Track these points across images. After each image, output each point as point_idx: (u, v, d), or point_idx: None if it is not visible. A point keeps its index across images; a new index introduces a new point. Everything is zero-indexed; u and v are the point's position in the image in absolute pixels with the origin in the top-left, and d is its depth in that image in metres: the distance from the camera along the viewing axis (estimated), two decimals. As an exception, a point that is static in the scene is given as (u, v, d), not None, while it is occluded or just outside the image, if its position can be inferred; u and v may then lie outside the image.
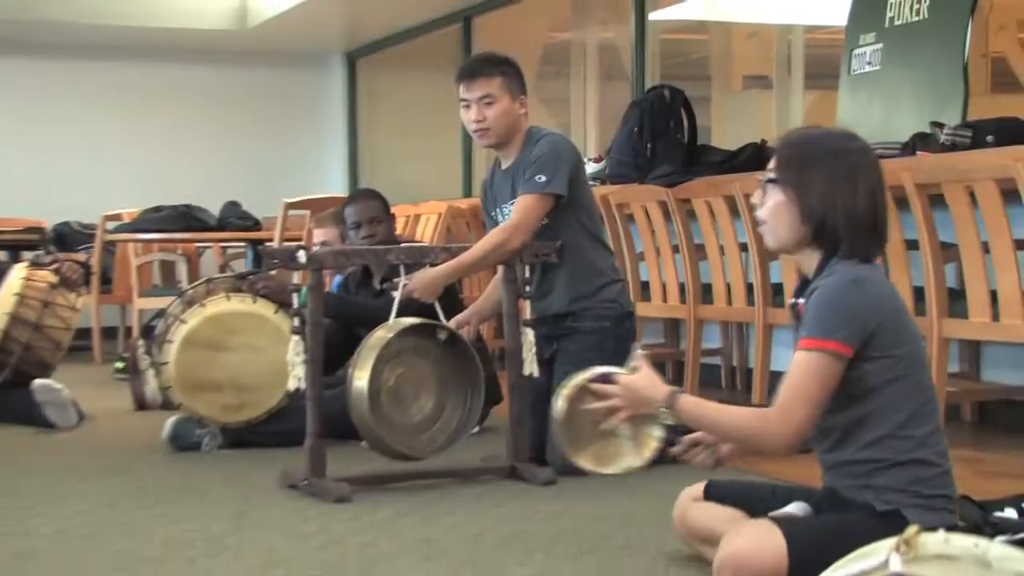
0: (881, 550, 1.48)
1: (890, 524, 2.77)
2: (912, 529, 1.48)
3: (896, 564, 1.43)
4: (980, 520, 3.41)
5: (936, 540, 1.46)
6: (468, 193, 10.23)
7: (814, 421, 3.04)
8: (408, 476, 4.73)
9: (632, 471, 3.60)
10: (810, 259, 3.15)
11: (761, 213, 3.20)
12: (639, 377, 3.28)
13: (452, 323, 4.85)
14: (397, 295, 4.77)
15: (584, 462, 3.62)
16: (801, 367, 3.01)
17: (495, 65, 5.08)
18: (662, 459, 3.57)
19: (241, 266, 10.22)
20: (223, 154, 12.10)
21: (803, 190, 3.09)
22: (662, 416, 3.27)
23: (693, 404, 3.20)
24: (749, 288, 6.18)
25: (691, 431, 3.36)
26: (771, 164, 3.19)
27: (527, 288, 4.89)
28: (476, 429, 5.03)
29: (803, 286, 3.20)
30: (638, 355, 3.35)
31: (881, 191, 3.16)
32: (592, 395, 3.42)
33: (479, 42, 10.47)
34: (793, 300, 3.25)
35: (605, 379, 3.38)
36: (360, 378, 4.58)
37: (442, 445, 4.76)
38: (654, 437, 3.50)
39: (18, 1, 10.81)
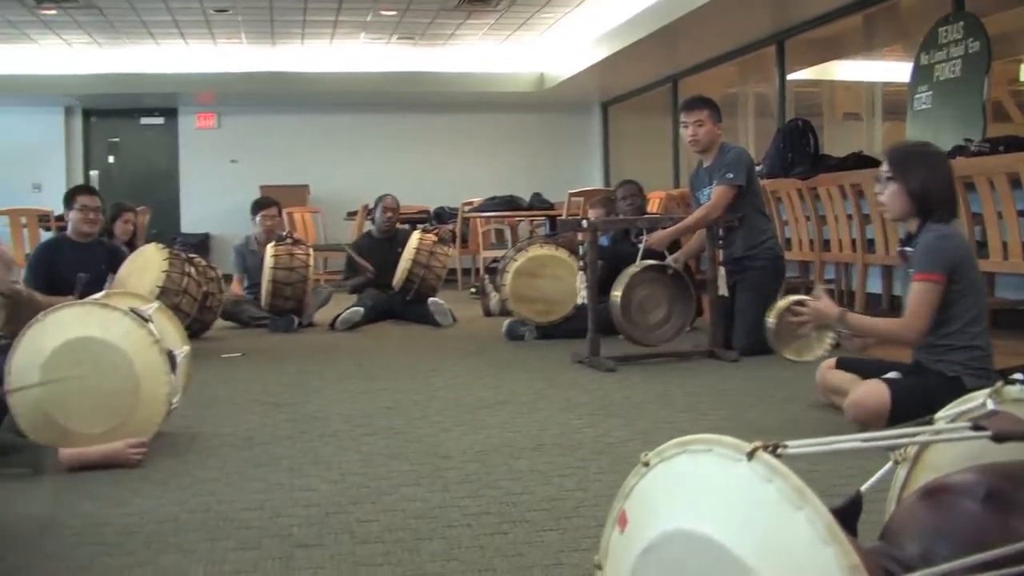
0: (978, 396, 1.35)
1: (954, 385, 2.77)
2: (1000, 383, 1.35)
3: (991, 405, 1.32)
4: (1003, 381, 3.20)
5: (1015, 390, 1.33)
6: (677, 185, 9.99)
7: (929, 324, 2.96)
8: (648, 356, 4.63)
9: (817, 359, 3.64)
10: (912, 223, 3.07)
11: (882, 198, 3.13)
12: (821, 302, 3.25)
13: (671, 259, 4.76)
14: (642, 247, 4.72)
15: (788, 354, 3.75)
16: (919, 293, 2.96)
17: (704, 102, 4.93)
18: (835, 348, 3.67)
19: (543, 231, 10.22)
20: (530, 165, 12.06)
21: (909, 180, 3.01)
22: (834, 326, 3.27)
23: (856, 318, 3.18)
24: (853, 242, 5.90)
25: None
26: (884, 166, 3.11)
27: (720, 241, 4.73)
28: (688, 328, 4.91)
29: (908, 239, 3.10)
30: (820, 289, 3.36)
31: (953, 177, 3.07)
32: (791, 313, 3.45)
33: (681, 95, 10.17)
34: (900, 248, 3.17)
35: (799, 303, 3.38)
36: (616, 296, 4.56)
37: (669, 338, 4.70)
38: (829, 338, 3.66)
39: (414, 81, 11.01)
